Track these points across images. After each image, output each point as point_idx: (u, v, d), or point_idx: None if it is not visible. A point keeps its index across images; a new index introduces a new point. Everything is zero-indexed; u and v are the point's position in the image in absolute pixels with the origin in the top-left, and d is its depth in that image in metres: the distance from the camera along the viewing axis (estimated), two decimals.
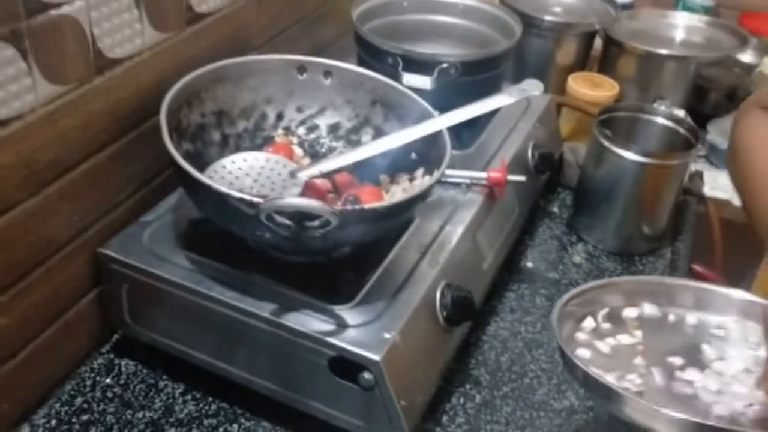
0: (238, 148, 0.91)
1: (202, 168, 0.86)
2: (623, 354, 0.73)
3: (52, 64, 0.69)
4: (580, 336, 0.75)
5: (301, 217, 0.69)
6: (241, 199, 0.69)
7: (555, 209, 1.21)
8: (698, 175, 1.27)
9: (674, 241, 1.16)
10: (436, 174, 0.80)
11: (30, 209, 0.72)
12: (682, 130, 1.11)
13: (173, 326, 0.82)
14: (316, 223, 0.68)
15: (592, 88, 1.29)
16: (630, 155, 1.05)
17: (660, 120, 1.13)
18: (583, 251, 1.12)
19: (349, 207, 0.71)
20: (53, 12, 0.67)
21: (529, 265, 1.08)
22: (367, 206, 0.72)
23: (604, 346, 0.74)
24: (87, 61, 0.73)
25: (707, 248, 1.27)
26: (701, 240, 1.25)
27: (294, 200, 0.68)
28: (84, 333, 0.84)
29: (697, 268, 1.24)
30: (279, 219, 0.68)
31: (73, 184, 0.76)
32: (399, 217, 0.80)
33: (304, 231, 0.70)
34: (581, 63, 1.38)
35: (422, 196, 0.78)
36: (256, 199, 0.69)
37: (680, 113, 1.29)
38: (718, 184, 1.31)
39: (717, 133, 1.36)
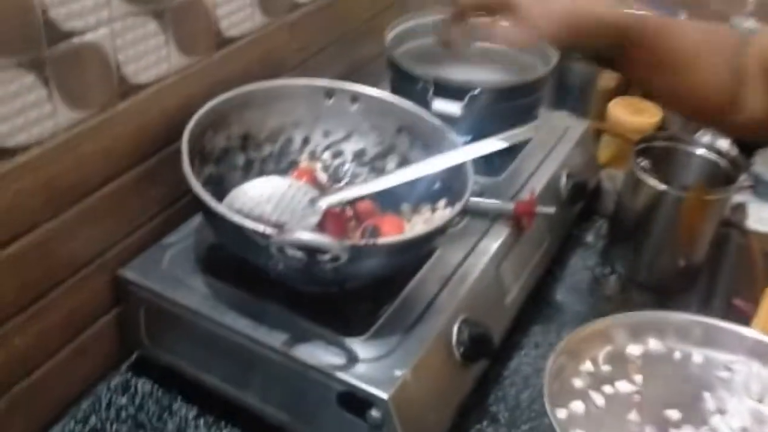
0: (262, 172, 0.91)
1: (224, 192, 0.87)
2: (618, 407, 0.71)
3: (73, 90, 0.70)
4: (577, 383, 0.73)
5: (312, 250, 0.68)
6: (254, 230, 0.69)
7: (590, 238, 1.18)
8: (741, 208, 1.22)
9: (712, 276, 1.11)
10: (457, 206, 0.79)
11: (48, 233, 0.72)
12: (723, 163, 1.07)
13: (189, 349, 0.82)
14: (327, 257, 0.68)
15: (633, 114, 1.26)
16: (666, 189, 1.01)
17: (701, 151, 1.09)
18: (615, 284, 1.09)
19: (361, 242, 0.70)
20: (76, 40, 0.68)
21: (558, 297, 1.06)
22: (379, 241, 0.71)
23: (600, 397, 0.72)
24: (111, 87, 0.74)
25: (749, 283, 1.22)
26: (743, 274, 1.20)
27: (303, 235, 0.67)
28: (101, 353, 0.84)
29: (739, 303, 1.19)
30: (290, 251, 0.68)
31: (93, 208, 0.77)
32: (415, 252, 0.79)
33: (315, 264, 0.69)
34: (624, 87, 1.35)
35: (440, 230, 0.77)
36: (268, 230, 0.68)
37: (725, 143, 1.25)
38: (763, 217, 1.26)
39: (764, 163, 1.31)
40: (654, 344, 0.77)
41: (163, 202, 0.87)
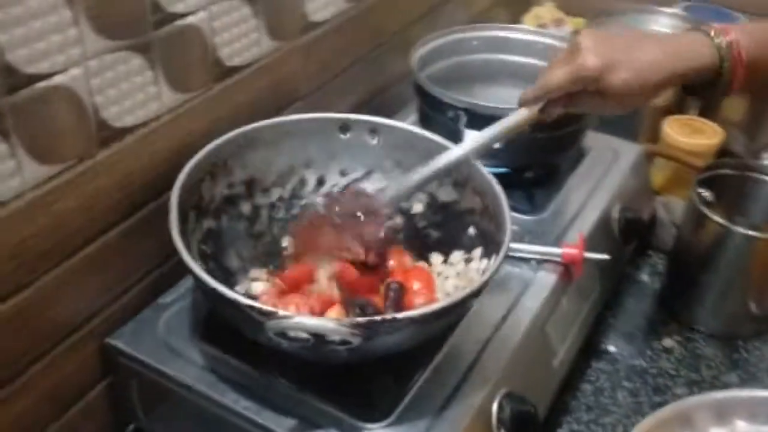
0: (271, 220, 0.80)
1: (226, 248, 0.76)
2: None
3: (41, 142, 0.60)
4: None
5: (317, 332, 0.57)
6: (250, 308, 0.58)
7: (645, 277, 1.05)
8: None
9: None
10: (494, 262, 0.67)
11: (22, 303, 0.63)
12: None
13: (187, 427, 0.72)
14: (337, 339, 0.57)
15: (690, 135, 1.12)
16: (735, 227, 0.88)
17: None
18: (675, 332, 0.96)
19: (375, 319, 0.59)
20: (41, 84, 0.58)
21: (612, 349, 0.93)
22: (399, 316, 0.59)
23: None
24: (88, 134, 0.64)
25: None
26: None
27: (303, 320, 0.56)
28: (92, 429, 0.75)
29: None
30: (293, 334, 0.57)
31: (75, 270, 0.67)
32: (445, 321, 0.67)
33: (324, 345, 0.58)
34: (679, 104, 1.21)
35: (474, 294, 0.65)
36: (266, 308, 0.57)
37: None
38: None
39: None
40: (742, 427, 0.65)
41: (156, 258, 0.76)
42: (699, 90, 0.75)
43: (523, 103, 0.74)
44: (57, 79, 0.59)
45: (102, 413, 0.75)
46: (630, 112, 1.15)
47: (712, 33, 0.71)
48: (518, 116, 0.74)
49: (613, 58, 0.69)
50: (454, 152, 0.75)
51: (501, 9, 1.45)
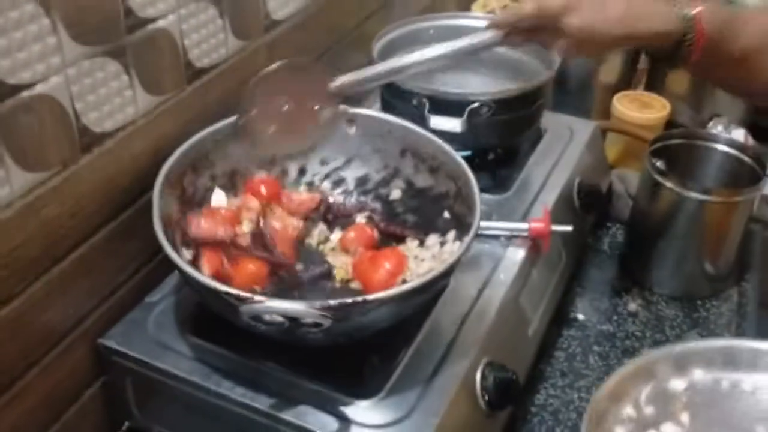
0: None
1: None
2: None
3: (28, 150, 0.61)
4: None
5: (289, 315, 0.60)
6: (226, 294, 0.61)
7: (605, 247, 1.10)
8: (765, 200, 1.15)
9: (740, 280, 1.04)
10: (465, 241, 0.70)
11: (15, 310, 0.64)
12: (746, 158, 0.99)
13: (183, 420, 0.74)
14: (310, 321, 0.60)
15: (640, 109, 1.18)
16: (688, 192, 0.93)
17: (721, 147, 1.01)
18: (638, 297, 1.01)
19: (345, 301, 0.61)
20: (25, 94, 0.59)
21: (580, 317, 0.98)
22: (369, 297, 0.62)
23: None
24: (71, 140, 0.65)
25: None
26: None
27: (275, 304, 0.59)
28: (88, 428, 0.76)
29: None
30: (268, 317, 0.60)
31: (64, 275, 0.68)
32: (420, 300, 0.70)
33: (298, 328, 0.61)
34: (626, 81, 1.27)
35: (441, 276, 0.68)
36: (243, 294, 0.60)
37: (739, 133, 1.17)
38: None
39: None
40: (699, 375, 0.70)
41: (141, 257, 0.78)
42: (662, 58, 0.78)
43: (490, 26, 0.78)
44: (39, 88, 0.60)
45: (97, 413, 0.77)
46: (581, 91, 1.21)
47: (677, 3, 0.74)
48: (484, 36, 0.78)
49: (578, 1, 0.72)
50: (414, 56, 0.79)
51: None
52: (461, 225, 0.76)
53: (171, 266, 0.78)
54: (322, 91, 0.79)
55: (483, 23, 1.08)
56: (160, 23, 0.72)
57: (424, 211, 0.83)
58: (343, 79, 0.79)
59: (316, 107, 0.80)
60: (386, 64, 0.81)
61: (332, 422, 0.65)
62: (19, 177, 0.61)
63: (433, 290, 0.72)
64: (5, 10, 0.56)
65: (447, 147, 0.80)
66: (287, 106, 0.79)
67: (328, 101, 0.80)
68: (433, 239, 0.80)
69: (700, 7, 0.73)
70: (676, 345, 0.72)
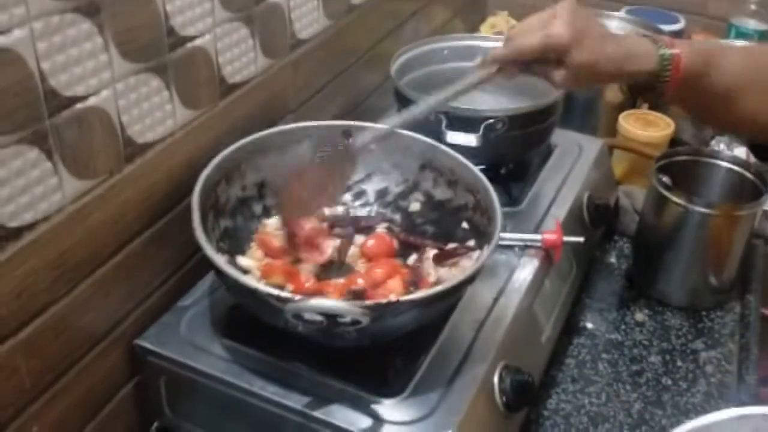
0: None
1: (241, 245, 0.82)
2: None
3: (79, 159, 0.65)
4: None
5: (333, 314, 0.64)
6: (269, 294, 0.65)
7: (612, 260, 1.14)
8: (765, 215, 1.19)
9: (744, 292, 1.08)
10: (486, 251, 0.74)
11: (60, 311, 0.68)
12: (748, 175, 1.03)
13: (214, 419, 0.77)
14: (348, 319, 0.63)
15: (645, 128, 1.22)
16: (693, 207, 0.98)
17: (724, 164, 1.05)
18: (645, 307, 1.05)
19: (383, 301, 0.66)
20: (79, 106, 0.64)
21: (589, 326, 1.02)
22: (403, 299, 0.66)
23: None
24: (117, 150, 0.69)
25: None
26: None
27: (318, 302, 0.63)
28: (120, 428, 0.79)
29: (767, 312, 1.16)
30: (308, 316, 0.64)
31: (106, 278, 0.72)
32: (446, 303, 0.74)
33: (336, 327, 0.65)
34: (632, 100, 1.31)
35: (469, 280, 0.72)
36: (283, 294, 0.64)
37: (741, 151, 1.22)
38: None
39: None
40: None
41: (175, 263, 0.82)
42: (641, 90, 0.82)
43: (492, 61, 0.79)
44: (91, 101, 0.65)
45: (129, 413, 0.80)
46: (588, 109, 1.25)
47: (659, 44, 0.78)
48: (480, 74, 0.80)
49: (583, 36, 0.75)
50: (423, 105, 0.81)
51: (458, 20, 1.54)
52: (480, 235, 0.80)
53: (201, 272, 0.83)
54: (347, 158, 0.82)
55: (494, 44, 1.15)
56: (198, 42, 0.76)
57: (443, 223, 0.87)
58: (363, 139, 0.82)
59: (343, 173, 0.83)
60: (398, 117, 0.83)
61: (361, 419, 0.69)
62: (70, 184, 0.65)
63: (457, 295, 0.76)
64: (64, 28, 0.60)
65: (466, 162, 0.84)
66: (316, 182, 0.82)
67: (352, 162, 0.83)
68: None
69: (678, 50, 0.77)
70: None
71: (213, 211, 0.79)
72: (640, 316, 1.03)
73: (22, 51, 0.57)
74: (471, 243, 0.82)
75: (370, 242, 0.86)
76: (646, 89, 0.80)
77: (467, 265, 0.81)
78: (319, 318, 0.64)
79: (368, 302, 0.66)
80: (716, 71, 0.78)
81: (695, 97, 0.80)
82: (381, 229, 0.89)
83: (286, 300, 0.64)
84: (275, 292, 0.66)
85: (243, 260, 0.81)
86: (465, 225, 0.84)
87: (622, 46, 0.78)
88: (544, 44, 0.75)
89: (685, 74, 0.77)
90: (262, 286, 0.67)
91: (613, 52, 0.77)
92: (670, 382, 0.93)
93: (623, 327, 1.02)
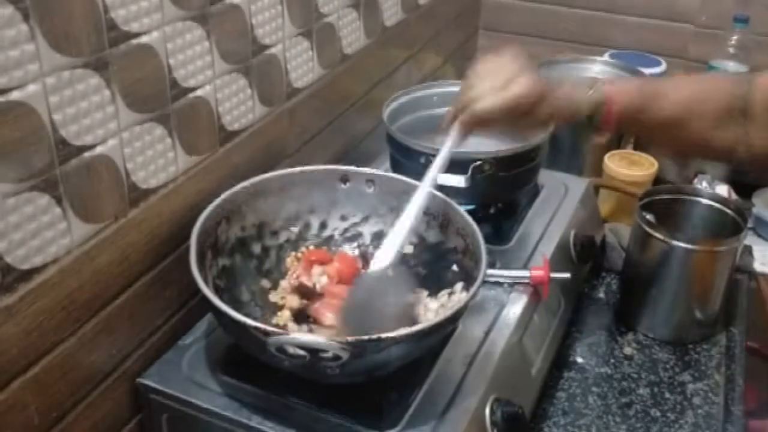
0: (279, 259, 0.90)
1: (238, 283, 0.86)
2: None
3: (87, 204, 0.69)
4: None
5: (311, 350, 0.67)
6: (255, 328, 0.68)
7: (601, 295, 1.17)
8: (748, 251, 1.23)
9: (728, 325, 1.11)
10: (471, 290, 0.77)
11: (67, 350, 0.71)
12: (728, 211, 1.07)
13: None
14: (330, 354, 0.66)
15: (629, 167, 1.27)
16: (676, 243, 1.01)
17: (705, 201, 1.09)
18: (633, 341, 1.08)
19: (363, 337, 0.68)
20: (87, 154, 0.68)
21: (579, 360, 1.04)
22: (383, 336, 0.68)
23: None
24: (122, 196, 0.73)
25: (764, 325, 1.22)
26: (758, 317, 1.19)
27: (299, 336, 0.66)
28: None
29: (753, 345, 1.19)
30: (292, 350, 0.67)
31: (110, 318, 0.75)
32: (427, 342, 0.77)
33: (319, 362, 0.68)
34: (617, 140, 1.36)
35: (448, 320, 0.75)
36: (270, 329, 0.67)
37: (723, 189, 1.26)
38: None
39: (763, 204, 1.32)
40: None
41: (177, 303, 0.85)
42: (582, 128, 0.87)
43: (454, 128, 0.82)
44: (99, 149, 0.69)
45: None
46: (574, 150, 1.30)
47: (594, 87, 0.84)
48: (450, 144, 0.83)
49: (543, 92, 0.80)
50: (422, 193, 0.83)
51: (448, 67, 1.60)
52: (468, 277, 0.83)
53: (202, 311, 0.86)
54: None
55: None
56: (199, 92, 0.81)
57: (435, 266, 0.90)
58: (388, 255, 0.80)
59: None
60: (407, 219, 0.81)
61: None
62: (78, 228, 0.68)
63: (442, 333, 0.79)
64: (74, 83, 0.64)
65: (458, 207, 0.87)
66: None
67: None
68: (442, 291, 0.87)
69: (614, 90, 0.84)
70: None
71: (212, 249, 0.82)
72: (628, 350, 1.06)
73: (35, 104, 0.61)
74: (460, 285, 0.85)
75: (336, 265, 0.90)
76: (586, 126, 0.86)
77: (456, 306, 0.84)
78: (302, 353, 0.67)
79: (349, 338, 0.68)
80: (657, 105, 0.83)
81: (637, 129, 0.92)
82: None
83: (268, 333, 0.67)
84: (259, 325, 0.69)
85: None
86: (455, 268, 0.87)
87: (566, 91, 0.85)
88: (513, 104, 0.78)
89: (619, 114, 0.84)
90: (248, 320, 0.69)
91: (564, 98, 0.84)
92: (658, 413, 0.96)
93: (612, 360, 1.04)
